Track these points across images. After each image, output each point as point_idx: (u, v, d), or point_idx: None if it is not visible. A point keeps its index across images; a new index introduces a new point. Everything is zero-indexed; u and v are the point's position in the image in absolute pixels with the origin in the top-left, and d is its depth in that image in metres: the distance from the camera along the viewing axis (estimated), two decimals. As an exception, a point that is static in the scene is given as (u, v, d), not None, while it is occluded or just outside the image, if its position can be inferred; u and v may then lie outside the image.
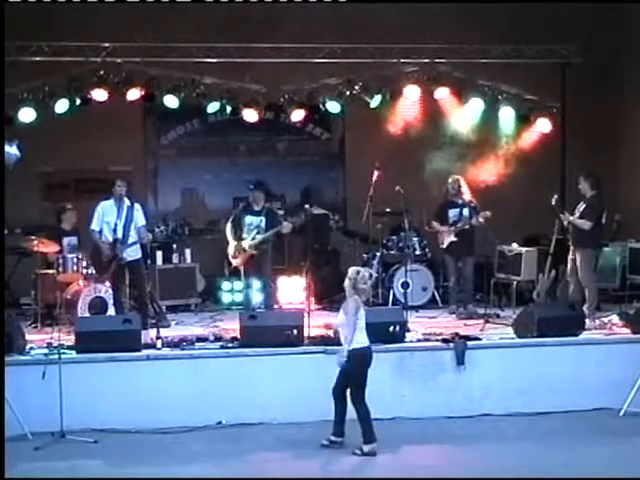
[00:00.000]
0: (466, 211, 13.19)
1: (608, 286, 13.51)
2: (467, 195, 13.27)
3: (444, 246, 13.29)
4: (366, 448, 9.01)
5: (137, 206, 11.74)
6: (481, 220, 12.91)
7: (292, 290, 13.61)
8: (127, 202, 11.66)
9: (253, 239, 12.22)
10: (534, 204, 13.73)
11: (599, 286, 12.45)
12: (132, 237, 11.60)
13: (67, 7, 12.12)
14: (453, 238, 13.14)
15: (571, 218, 12.14)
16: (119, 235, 11.56)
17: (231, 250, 12.39)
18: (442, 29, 14.17)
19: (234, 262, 12.42)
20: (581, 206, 12.21)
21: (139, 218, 11.68)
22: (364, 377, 9.05)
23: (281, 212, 13.05)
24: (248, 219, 12.37)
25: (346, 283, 9.13)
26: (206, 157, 15.76)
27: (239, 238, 12.33)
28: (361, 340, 9.02)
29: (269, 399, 10.05)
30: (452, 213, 13.27)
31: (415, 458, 9.29)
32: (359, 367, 9.01)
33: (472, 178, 13.92)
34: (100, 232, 11.65)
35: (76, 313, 11.73)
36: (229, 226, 12.48)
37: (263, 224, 12.29)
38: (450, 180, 13.28)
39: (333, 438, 9.17)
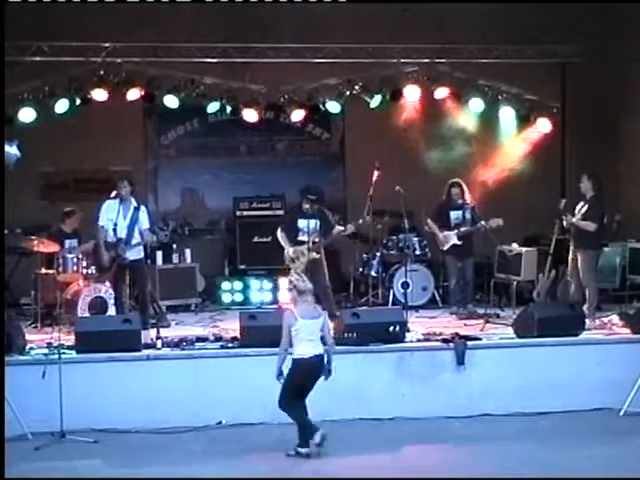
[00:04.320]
0: (468, 213, 13.18)
1: (608, 286, 13.49)
2: (468, 197, 13.27)
3: (445, 248, 13.26)
4: (303, 450, 8.95)
5: (143, 208, 11.82)
6: (492, 226, 12.87)
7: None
8: (133, 203, 11.73)
9: (314, 242, 12.17)
10: (534, 204, 13.75)
11: (599, 286, 12.43)
12: (135, 238, 11.65)
13: (67, 7, 12.11)
14: (457, 241, 13.10)
15: (574, 220, 12.04)
16: (122, 235, 11.60)
17: (289, 255, 12.28)
18: (442, 29, 14.18)
19: (293, 267, 12.07)
20: (582, 207, 12.13)
21: (144, 220, 11.73)
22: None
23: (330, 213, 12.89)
24: (302, 223, 12.34)
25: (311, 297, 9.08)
26: (206, 157, 15.75)
27: (296, 242, 12.28)
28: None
29: (269, 399, 10.01)
30: (454, 215, 13.23)
31: (415, 458, 9.29)
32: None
33: (472, 178, 13.96)
34: (106, 230, 11.70)
35: (76, 313, 11.72)
36: (282, 234, 12.40)
37: (318, 226, 12.29)
38: (451, 182, 13.24)
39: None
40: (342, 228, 12.45)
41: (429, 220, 13.38)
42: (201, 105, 13.80)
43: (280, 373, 8.94)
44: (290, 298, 9.18)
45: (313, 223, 12.30)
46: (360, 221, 12.64)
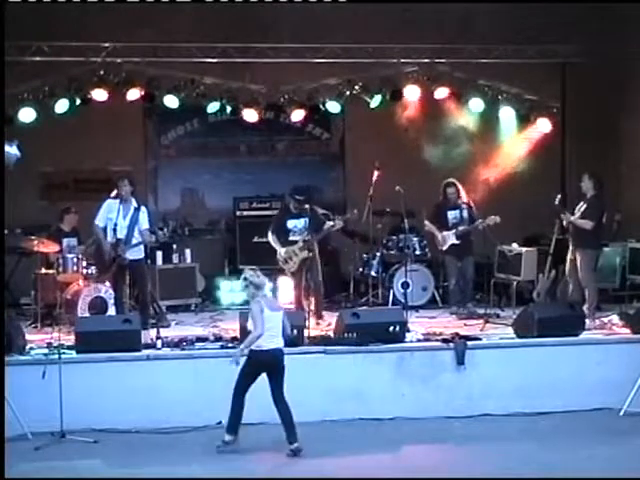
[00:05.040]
0: (465, 213, 13.19)
1: (608, 286, 13.48)
2: (464, 197, 13.28)
3: (444, 248, 13.27)
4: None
5: (143, 208, 11.84)
6: (490, 224, 12.86)
7: (292, 290, 13.58)
8: (134, 203, 11.75)
9: (305, 241, 12.19)
10: (534, 204, 13.73)
11: (599, 286, 12.43)
12: (135, 238, 11.67)
13: (67, 7, 12.12)
14: (455, 241, 13.11)
15: (572, 218, 12.07)
16: (121, 235, 11.61)
17: (282, 256, 12.31)
18: (442, 29, 14.18)
19: (287, 268, 12.25)
20: (582, 206, 12.15)
21: (143, 221, 11.74)
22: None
23: (321, 210, 12.90)
24: (291, 223, 12.36)
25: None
26: (206, 157, 15.76)
27: (287, 243, 12.31)
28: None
29: (269, 399, 10.00)
30: (452, 215, 13.25)
31: (415, 458, 9.29)
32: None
33: (472, 178, 13.96)
34: (105, 229, 11.69)
35: (76, 313, 11.73)
36: (272, 236, 12.43)
37: (308, 225, 12.29)
38: (446, 182, 13.25)
39: (227, 438, 9.17)
40: (332, 223, 12.47)
41: (426, 221, 13.39)
42: (201, 105, 13.80)
43: (239, 361, 9.00)
44: (248, 295, 9.18)
45: (302, 222, 12.32)
46: (348, 215, 12.69)
